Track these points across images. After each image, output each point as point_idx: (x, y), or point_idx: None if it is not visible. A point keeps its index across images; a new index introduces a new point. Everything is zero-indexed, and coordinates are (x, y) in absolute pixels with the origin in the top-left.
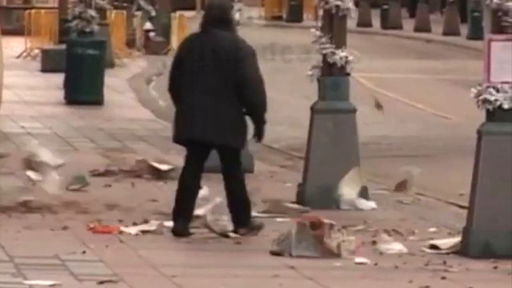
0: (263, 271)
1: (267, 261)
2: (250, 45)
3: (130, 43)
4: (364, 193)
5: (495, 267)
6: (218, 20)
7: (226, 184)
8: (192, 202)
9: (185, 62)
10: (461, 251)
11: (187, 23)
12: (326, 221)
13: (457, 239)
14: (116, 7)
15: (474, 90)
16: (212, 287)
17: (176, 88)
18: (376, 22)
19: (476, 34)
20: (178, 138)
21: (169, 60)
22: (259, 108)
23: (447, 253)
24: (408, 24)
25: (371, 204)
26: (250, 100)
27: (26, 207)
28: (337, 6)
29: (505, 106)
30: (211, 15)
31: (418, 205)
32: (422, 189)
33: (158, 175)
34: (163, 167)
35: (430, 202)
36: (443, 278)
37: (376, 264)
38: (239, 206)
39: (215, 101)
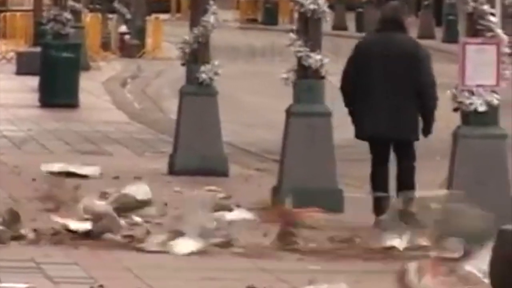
0: None
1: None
2: (426, 48)
3: (105, 46)
4: (338, 196)
5: None
6: (394, 22)
7: (399, 172)
8: (386, 195)
9: (364, 63)
10: None
11: (162, 26)
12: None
13: None
14: (91, 10)
15: (449, 93)
16: None
17: (351, 86)
18: (351, 25)
19: (451, 37)
20: (362, 135)
21: (143, 63)
22: (431, 109)
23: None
24: None
25: None
26: (425, 101)
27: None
28: (312, 9)
29: (480, 109)
30: (386, 17)
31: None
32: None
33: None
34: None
35: None
36: None
37: None
38: (405, 188)
39: (395, 99)
